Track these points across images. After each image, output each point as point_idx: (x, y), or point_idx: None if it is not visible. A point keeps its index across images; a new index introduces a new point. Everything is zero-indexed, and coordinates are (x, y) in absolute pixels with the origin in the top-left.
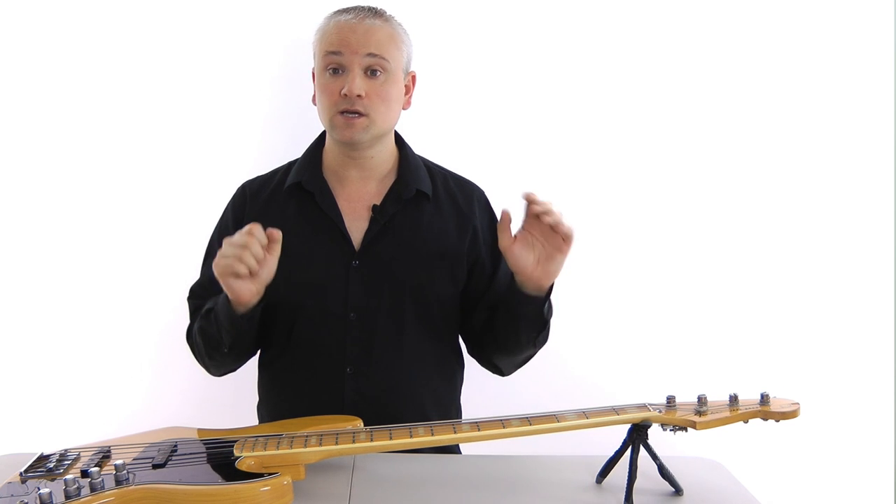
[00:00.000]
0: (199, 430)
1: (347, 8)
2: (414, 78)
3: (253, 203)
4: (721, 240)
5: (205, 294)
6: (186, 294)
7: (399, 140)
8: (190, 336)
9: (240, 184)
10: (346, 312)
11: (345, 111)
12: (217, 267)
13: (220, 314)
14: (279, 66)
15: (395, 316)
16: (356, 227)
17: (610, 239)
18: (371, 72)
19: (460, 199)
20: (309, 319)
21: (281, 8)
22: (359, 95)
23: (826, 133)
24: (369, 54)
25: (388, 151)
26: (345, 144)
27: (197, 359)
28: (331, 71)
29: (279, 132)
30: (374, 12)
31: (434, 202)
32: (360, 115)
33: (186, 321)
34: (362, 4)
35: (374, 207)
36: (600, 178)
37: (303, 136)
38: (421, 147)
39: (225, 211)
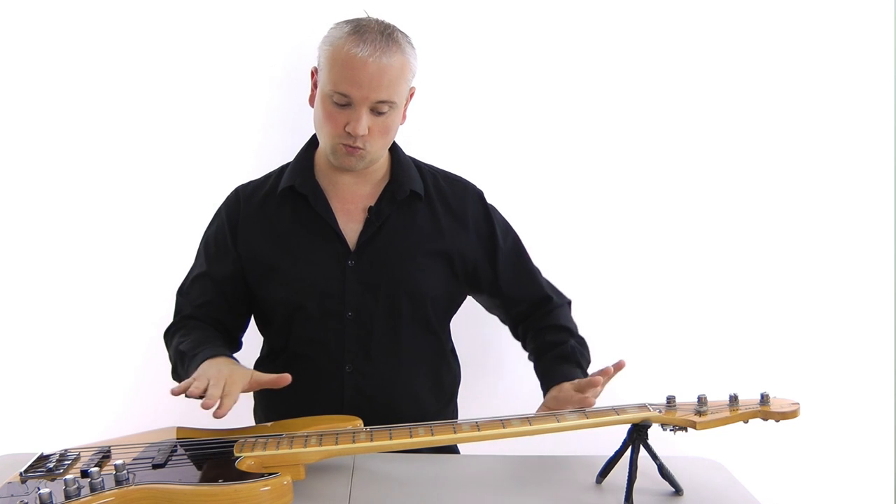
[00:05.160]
0: (199, 430)
1: (361, 33)
2: (412, 93)
3: (247, 206)
4: (721, 241)
5: (191, 294)
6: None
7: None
8: (168, 338)
9: (233, 187)
10: (344, 311)
11: (346, 144)
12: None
13: (188, 369)
14: (279, 69)
15: (391, 314)
16: (350, 228)
17: (609, 240)
18: (378, 112)
19: (451, 198)
20: (308, 319)
21: (282, 11)
22: (362, 134)
23: (826, 133)
24: (379, 101)
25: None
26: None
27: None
28: (337, 104)
29: (278, 134)
30: (388, 42)
31: (426, 201)
32: (360, 148)
33: None
34: (376, 29)
35: (370, 209)
36: (599, 178)
37: (301, 138)
38: (415, 147)
39: (218, 213)
